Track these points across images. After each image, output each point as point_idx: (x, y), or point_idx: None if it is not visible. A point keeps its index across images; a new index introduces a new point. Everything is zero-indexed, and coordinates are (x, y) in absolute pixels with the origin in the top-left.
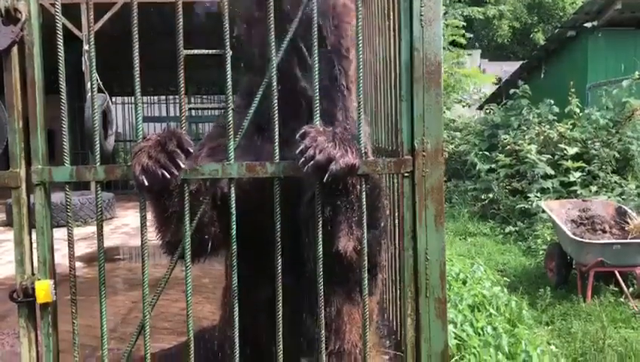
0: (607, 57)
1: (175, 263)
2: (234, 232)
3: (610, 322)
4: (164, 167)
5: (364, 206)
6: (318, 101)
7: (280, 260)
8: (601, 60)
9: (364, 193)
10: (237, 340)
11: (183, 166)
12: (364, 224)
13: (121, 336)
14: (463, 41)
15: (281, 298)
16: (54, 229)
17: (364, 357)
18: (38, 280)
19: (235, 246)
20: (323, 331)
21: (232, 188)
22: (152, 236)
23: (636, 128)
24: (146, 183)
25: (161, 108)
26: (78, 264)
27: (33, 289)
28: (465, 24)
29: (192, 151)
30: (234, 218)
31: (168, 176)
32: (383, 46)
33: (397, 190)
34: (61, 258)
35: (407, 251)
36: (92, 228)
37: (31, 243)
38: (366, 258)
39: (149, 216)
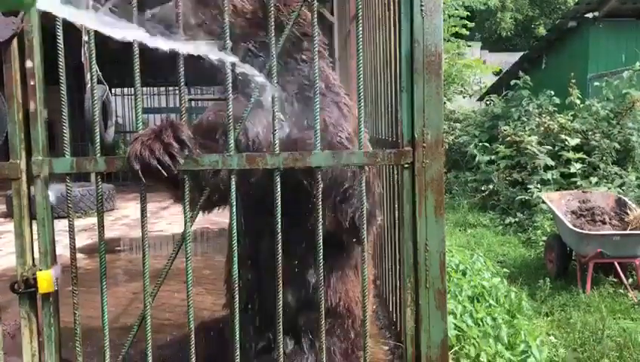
0: (608, 48)
1: (176, 254)
2: (234, 224)
3: (610, 313)
4: (156, 157)
5: (364, 194)
6: (318, 81)
7: (280, 244)
8: (602, 51)
9: (363, 182)
10: (237, 319)
11: (176, 155)
12: (365, 211)
13: (122, 327)
14: (465, 32)
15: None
16: (54, 221)
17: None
18: (39, 270)
19: (235, 236)
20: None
21: (233, 180)
22: (153, 228)
23: (637, 119)
24: (139, 171)
25: (161, 99)
26: (78, 255)
27: (34, 280)
28: (469, 14)
29: (187, 142)
30: (234, 210)
31: (159, 166)
32: (383, 37)
33: (397, 181)
34: (61, 249)
35: (407, 242)
36: (92, 220)
37: (31, 235)
38: (367, 243)
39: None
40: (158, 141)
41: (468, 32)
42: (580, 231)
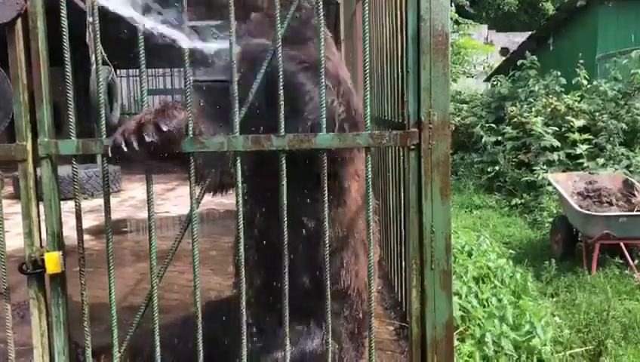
0: (618, 28)
1: (182, 235)
2: (241, 203)
3: (615, 294)
4: (130, 153)
5: (369, 174)
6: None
7: (286, 223)
8: (611, 31)
9: (369, 164)
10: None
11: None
12: (369, 190)
13: (129, 307)
14: (453, 14)
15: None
16: (61, 202)
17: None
18: (47, 251)
19: (241, 215)
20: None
21: (238, 161)
22: (159, 209)
23: None
24: (112, 156)
25: (166, 80)
26: (85, 236)
27: (42, 260)
28: None
29: (166, 131)
30: (240, 191)
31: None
32: (389, 17)
33: (403, 163)
34: (68, 230)
35: (413, 223)
36: (99, 201)
37: (39, 216)
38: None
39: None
40: (136, 134)
41: (457, 14)
42: (587, 212)
